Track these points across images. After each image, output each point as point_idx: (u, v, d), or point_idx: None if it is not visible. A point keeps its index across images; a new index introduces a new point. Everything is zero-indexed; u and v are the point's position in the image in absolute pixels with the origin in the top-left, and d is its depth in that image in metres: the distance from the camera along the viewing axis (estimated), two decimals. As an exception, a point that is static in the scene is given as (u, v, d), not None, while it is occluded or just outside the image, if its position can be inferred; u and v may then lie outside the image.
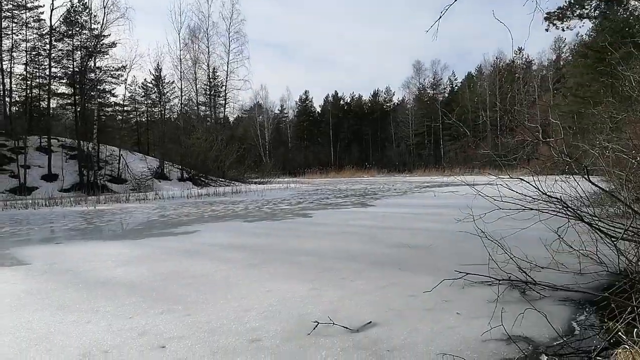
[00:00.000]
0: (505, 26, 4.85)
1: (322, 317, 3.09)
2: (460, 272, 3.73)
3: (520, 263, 3.78)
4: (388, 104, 66.23)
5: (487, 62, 53.38)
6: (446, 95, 60.72)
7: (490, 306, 3.16)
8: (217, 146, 33.60)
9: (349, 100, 67.70)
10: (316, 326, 2.89)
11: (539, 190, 3.64)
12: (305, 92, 68.18)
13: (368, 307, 3.38)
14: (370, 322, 3.04)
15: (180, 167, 31.94)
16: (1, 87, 30.61)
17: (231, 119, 52.87)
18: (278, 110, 66.13)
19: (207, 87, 42.64)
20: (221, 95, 43.53)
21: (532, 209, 3.67)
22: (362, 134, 62.17)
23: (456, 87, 60.97)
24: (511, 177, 3.77)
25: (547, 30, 20.52)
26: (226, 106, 44.13)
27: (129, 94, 37.99)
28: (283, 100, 67.45)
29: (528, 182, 3.73)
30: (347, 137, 61.53)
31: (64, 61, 30.77)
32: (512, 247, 3.87)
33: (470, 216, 4.01)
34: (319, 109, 68.25)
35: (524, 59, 52.62)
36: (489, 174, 4.54)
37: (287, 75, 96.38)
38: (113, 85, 32.78)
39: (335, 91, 67.95)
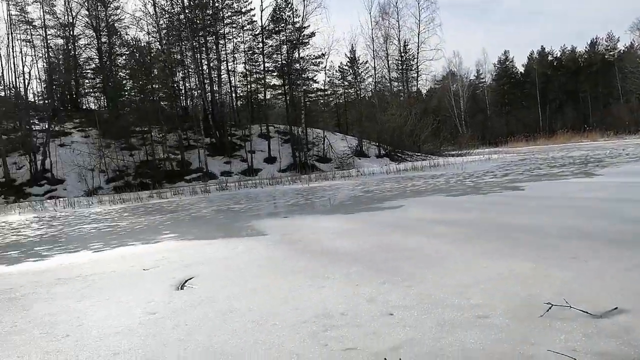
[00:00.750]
0: None
1: (553, 298, 2.84)
2: None
3: None
4: (611, 53, 55.74)
5: None
6: (698, 30, 47.78)
7: None
8: (411, 120, 33.64)
9: (558, 55, 59.44)
10: (550, 308, 2.68)
11: None
12: (505, 52, 62.51)
13: (610, 291, 2.96)
14: (616, 308, 2.66)
15: (377, 143, 33.08)
16: (229, 85, 36.40)
17: (424, 92, 52.17)
18: (474, 76, 62.30)
19: (399, 62, 42.88)
20: (413, 68, 43.26)
21: None
22: (578, 92, 53.97)
23: None
24: None
25: None
26: (418, 79, 43.75)
27: (328, 79, 40.79)
28: (479, 64, 63.23)
29: None
30: (558, 97, 54.26)
31: (274, 56, 34.76)
32: None
33: None
34: (521, 69, 61.83)
35: None
36: None
37: (482, 37, 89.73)
38: (315, 72, 35.76)
39: (542, 46, 60.50)
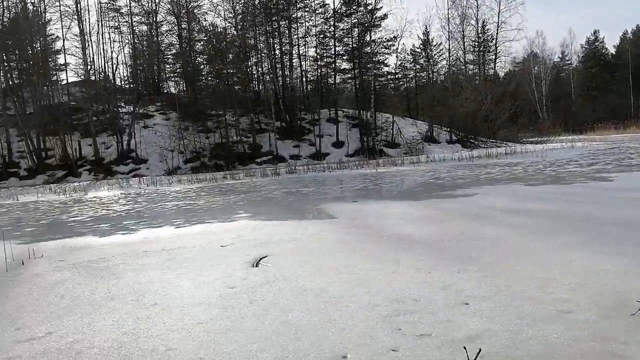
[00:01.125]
0: None
1: (648, 298, 2.63)
2: None
3: None
4: None
5: None
6: None
7: None
8: (486, 105, 32.13)
9: (657, 34, 53.64)
10: (643, 307, 2.48)
11: None
12: (594, 32, 57.49)
13: None
14: None
15: (448, 129, 32.02)
16: (299, 69, 36.73)
17: (501, 75, 49.43)
18: (558, 57, 57.95)
19: (476, 43, 40.87)
20: (491, 50, 41.09)
21: None
22: (679, 75, 48.53)
23: None
24: None
25: None
26: (496, 61, 41.50)
27: (399, 62, 39.85)
28: (564, 45, 58.65)
29: None
30: (655, 81, 49.14)
31: (345, 39, 34.50)
32: None
33: None
34: (612, 51, 56.59)
35: None
36: None
37: (569, 15, 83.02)
38: (385, 55, 35.08)
39: (637, 25, 54.90)
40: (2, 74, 31.33)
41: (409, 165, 18.71)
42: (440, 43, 39.82)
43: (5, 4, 32.66)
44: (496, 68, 42.70)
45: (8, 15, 33.14)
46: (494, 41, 39.71)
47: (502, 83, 44.52)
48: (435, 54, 40.74)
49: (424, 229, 5.26)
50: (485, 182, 10.18)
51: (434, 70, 40.31)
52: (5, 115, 28.89)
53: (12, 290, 3.89)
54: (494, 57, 40.60)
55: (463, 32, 37.44)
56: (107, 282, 3.92)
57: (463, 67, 39.55)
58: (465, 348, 2.02)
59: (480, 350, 1.99)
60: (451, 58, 37.72)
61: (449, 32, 36.39)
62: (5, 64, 31.00)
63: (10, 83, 30.68)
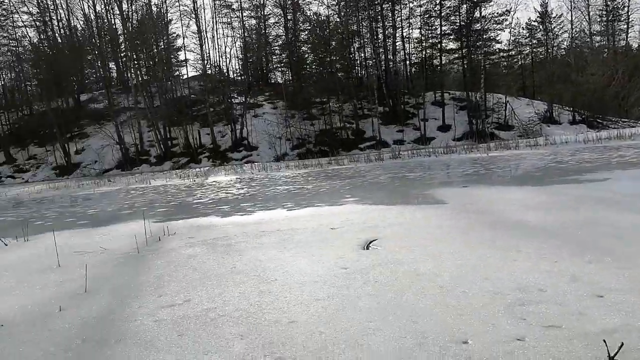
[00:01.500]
0: None
1: None
2: None
3: None
4: None
5: None
6: None
7: None
8: (617, 81, 28.59)
9: None
10: None
11: None
12: None
13: None
14: None
15: (571, 108, 29.12)
16: (402, 52, 35.86)
17: (635, 46, 43.46)
18: None
19: (603, 12, 36.46)
20: (622, 18, 36.36)
21: None
22: None
23: None
24: None
25: None
26: (629, 31, 36.64)
27: (513, 38, 37.00)
28: None
29: None
30: None
31: (451, 18, 32.91)
32: None
33: None
34: None
35: None
36: None
37: None
38: (497, 32, 32.84)
39: None
40: (132, 71, 35.24)
41: (525, 148, 17.41)
42: (561, 14, 36.25)
43: (133, 7, 36.56)
44: (628, 39, 37.71)
45: (136, 17, 37.06)
46: (625, 9, 35.07)
47: (636, 55, 39.15)
48: (554, 27, 37.12)
49: (546, 216, 4.89)
50: (618, 165, 9.12)
51: (554, 44, 36.76)
52: (136, 108, 32.48)
53: (152, 262, 4.41)
54: (625, 26, 35.90)
55: (588, 1, 33.56)
56: (232, 258, 4.26)
57: (588, 40, 35.56)
58: (604, 341, 1.87)
59: (622, 344, 1.82)
60: (574, 30, 34.10)
61: (571, 1, 32.87)
62: (135, 62, 34.75)
63: (140, 79, 34.34)
